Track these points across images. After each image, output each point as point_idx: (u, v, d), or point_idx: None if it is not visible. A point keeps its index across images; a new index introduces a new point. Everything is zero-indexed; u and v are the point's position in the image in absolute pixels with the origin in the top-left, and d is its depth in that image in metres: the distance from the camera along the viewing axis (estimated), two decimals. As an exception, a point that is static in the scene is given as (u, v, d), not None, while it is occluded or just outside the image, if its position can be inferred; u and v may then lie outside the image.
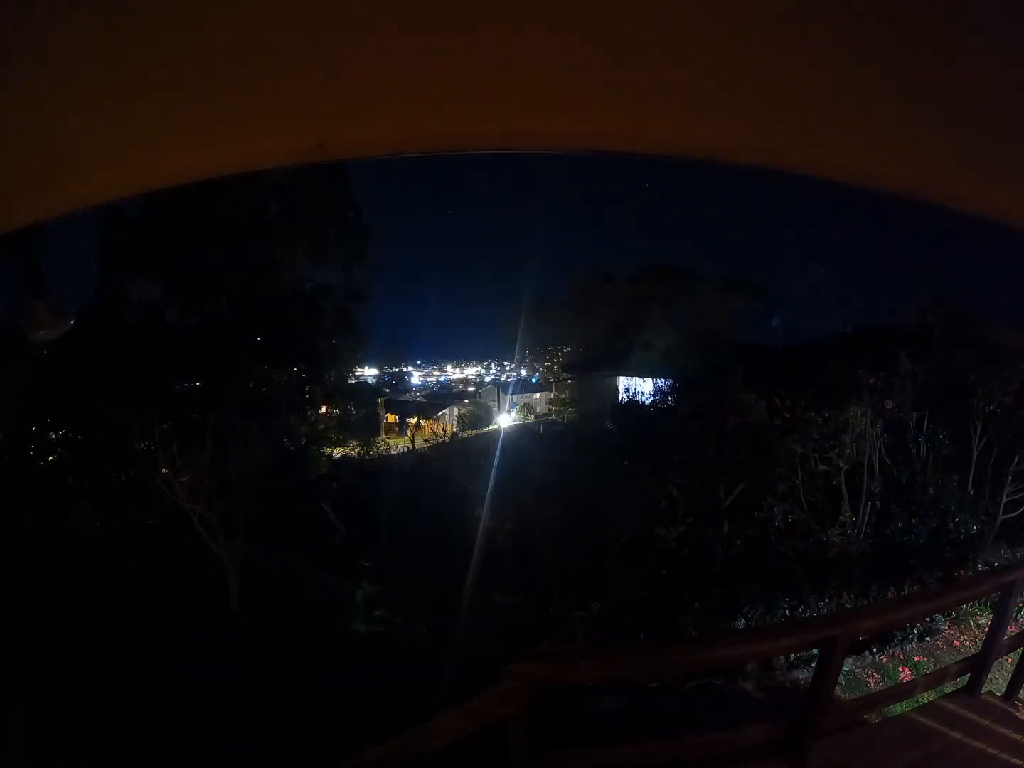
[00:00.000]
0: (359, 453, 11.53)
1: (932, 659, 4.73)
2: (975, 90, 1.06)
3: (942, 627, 5.07)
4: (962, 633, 5.04)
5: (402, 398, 26.58)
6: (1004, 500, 6.18)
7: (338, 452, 10.88)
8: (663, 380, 14.44)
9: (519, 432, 16.85)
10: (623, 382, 17.71)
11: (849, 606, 5.16)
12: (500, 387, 25.53)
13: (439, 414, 23.62)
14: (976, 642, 4.81)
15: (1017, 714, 2.42)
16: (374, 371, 27.78)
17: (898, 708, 2.94)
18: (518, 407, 24.76)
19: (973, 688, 2.54)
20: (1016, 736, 2.26)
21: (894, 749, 2.21)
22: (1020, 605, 4.21)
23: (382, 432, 19.56)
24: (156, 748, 2.85)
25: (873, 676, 4.56)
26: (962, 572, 5.51)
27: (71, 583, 5.17)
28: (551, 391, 25.71)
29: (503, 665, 1.57)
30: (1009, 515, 6.20)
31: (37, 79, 0.97)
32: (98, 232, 8.78)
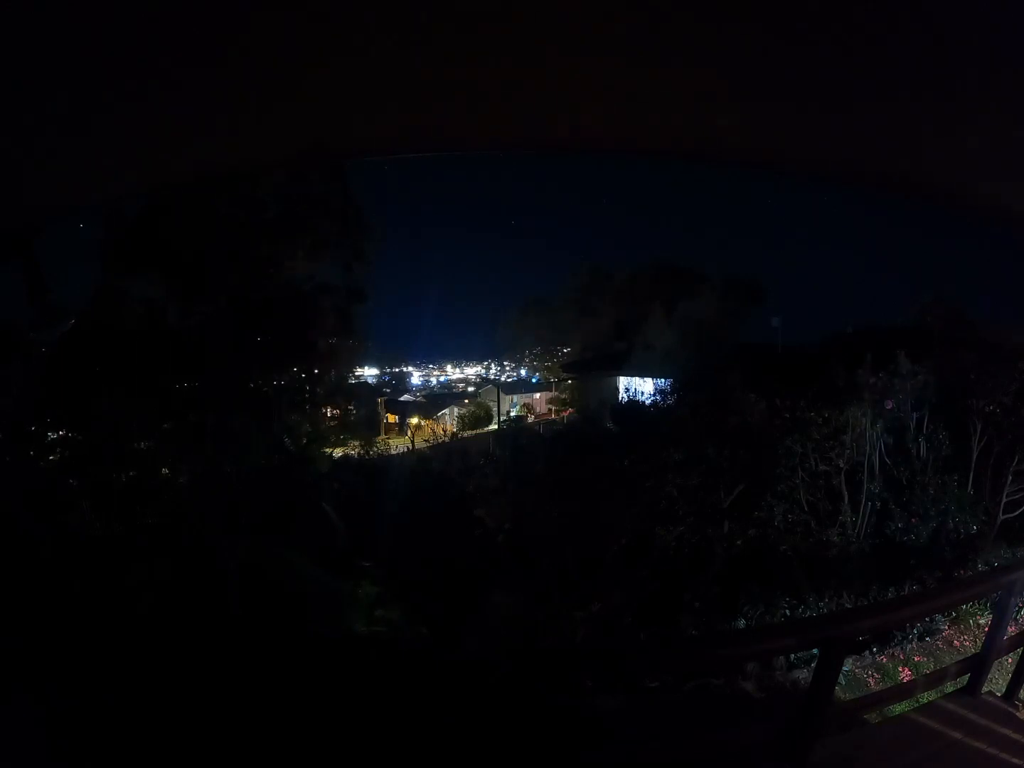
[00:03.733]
0: (359, 453, 11.53)
1: (932, 659, 4.73)
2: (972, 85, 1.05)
3: (942, 627, 5.06)
4: (962, 633, 5.04)
5: (402, 398, 26.58)
6: (1004, 500, 6.18)
7: (339, 452, 10.88)
8: (663, 380, 14.43)
9: (519, 432, 16.84)
10: (623, 382, 17.71)
11: (849, 606, 5.16)
12: (500, 387, 25.53)
13: (439, 414, 23.62)
14: (976, 642, 4.81)
15: (1017, 714, 2.42)
16: (374, 371, 27.76)
17: (898, 708, 2.93)
18: (518, 407, 24.75)
19: (973, 688, 2.54)
20: (1016, 736, 2.26)
21: (894, 749, 2.21)
22: (1020, 605, 4.21)
23: (382, 432, 19.54)
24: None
25: (873, 676, 4.56)
26: (962, 572, 5.51)
27: (69, 583, 5.17)
28: (551, 391, 25.71)
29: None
30: (1009, 515, 6.20)
31: (36, 80, 0.97)
32: (99, 231, 8.78)
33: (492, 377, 33.08)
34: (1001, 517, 6.17)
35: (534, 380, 28.48)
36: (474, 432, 19.48)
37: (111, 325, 8.02)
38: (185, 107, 1.01)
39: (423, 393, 29.66)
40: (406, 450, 14.66)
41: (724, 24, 0.87)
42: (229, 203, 9.08)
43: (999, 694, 2.60)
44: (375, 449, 12.55)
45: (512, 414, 22.83)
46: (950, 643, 4.89)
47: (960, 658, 3.24)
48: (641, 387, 15.47)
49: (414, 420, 22.07)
